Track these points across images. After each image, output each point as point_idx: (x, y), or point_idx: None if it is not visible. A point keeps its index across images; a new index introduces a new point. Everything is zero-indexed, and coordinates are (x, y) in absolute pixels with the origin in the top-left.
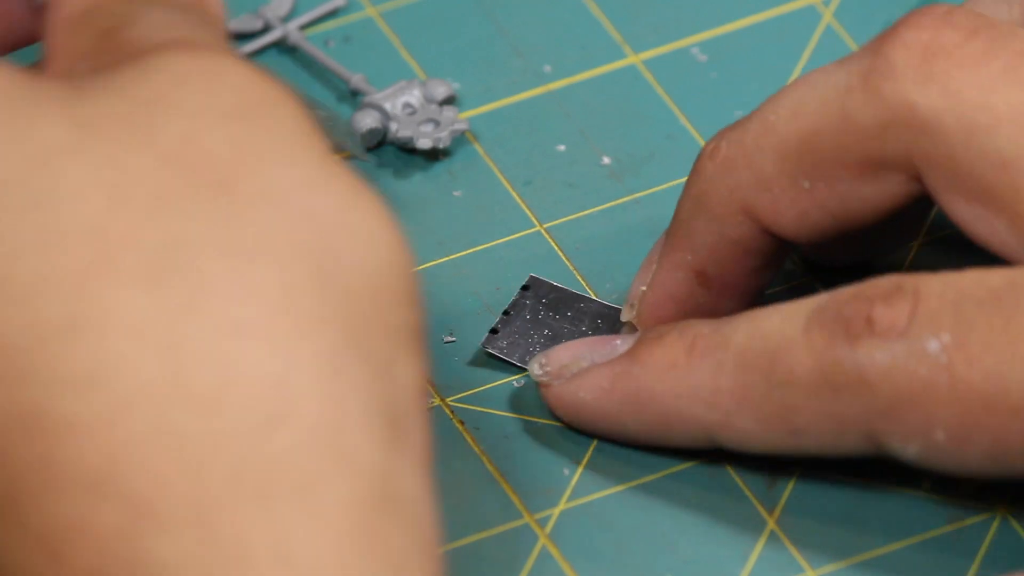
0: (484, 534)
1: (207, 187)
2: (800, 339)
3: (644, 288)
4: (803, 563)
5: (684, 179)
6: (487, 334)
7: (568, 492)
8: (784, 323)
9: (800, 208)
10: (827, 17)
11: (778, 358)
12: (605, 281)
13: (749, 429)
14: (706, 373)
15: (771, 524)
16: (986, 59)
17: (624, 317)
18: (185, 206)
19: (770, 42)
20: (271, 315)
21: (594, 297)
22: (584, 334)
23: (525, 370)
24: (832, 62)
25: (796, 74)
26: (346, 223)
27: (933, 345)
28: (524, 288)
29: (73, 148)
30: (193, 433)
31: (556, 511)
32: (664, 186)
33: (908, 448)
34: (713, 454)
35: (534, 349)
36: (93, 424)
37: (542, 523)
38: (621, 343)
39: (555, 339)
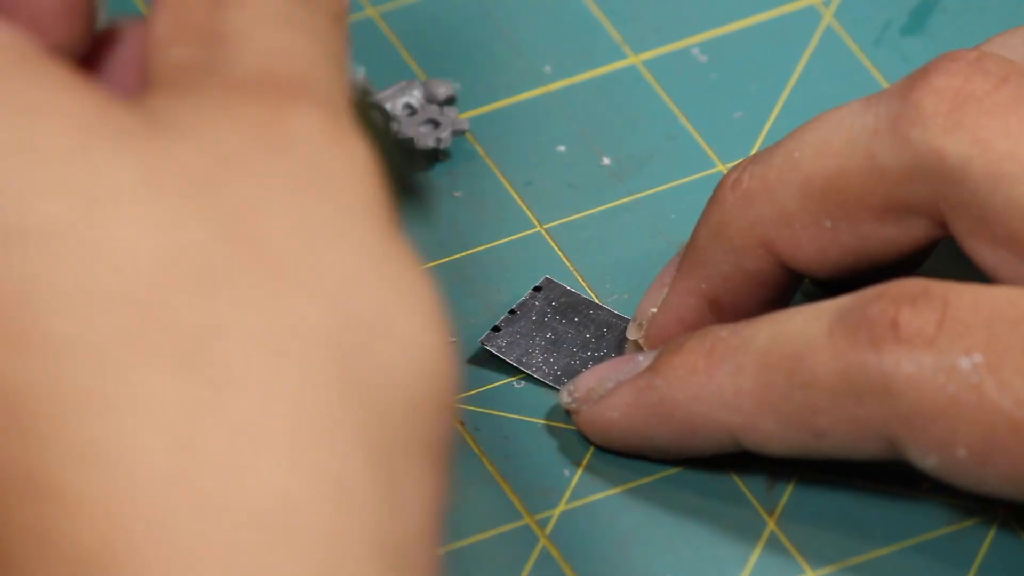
0: (484, 535)
1: (257, 268)
2: (823, 341)
3: (654, 310)
4: (803, 564)
5: (685, 179)
6: (489, 331)
7: (568, 493)
8: (807, 324)
9: (820, 245)
10: (827, 17)
11: (800, 360)
12: (605, 282)
13: (771, 430)
14: (727, 376)
15: (771, 526)
16: (1016, 107)
17: (631, 335)
18: (231, 287)
19: (770, 42)
20: (292, 422)
21: (605, 306)
22: (587, 341)
23: (521, 371)
24: (858, 100)
25: (796, 74)
26: (388, 326)
27: (964, 363)
28: (536, 289)
29: (135, 198)
30: (189, 532)
31: (556, 512)
32: (664, 187)
33: (928, 459)
34: (713, 456)
35: (533, 351)
36: (94, 502)
37: (542, 524)
38: (643, 359)
39: (557, 343)
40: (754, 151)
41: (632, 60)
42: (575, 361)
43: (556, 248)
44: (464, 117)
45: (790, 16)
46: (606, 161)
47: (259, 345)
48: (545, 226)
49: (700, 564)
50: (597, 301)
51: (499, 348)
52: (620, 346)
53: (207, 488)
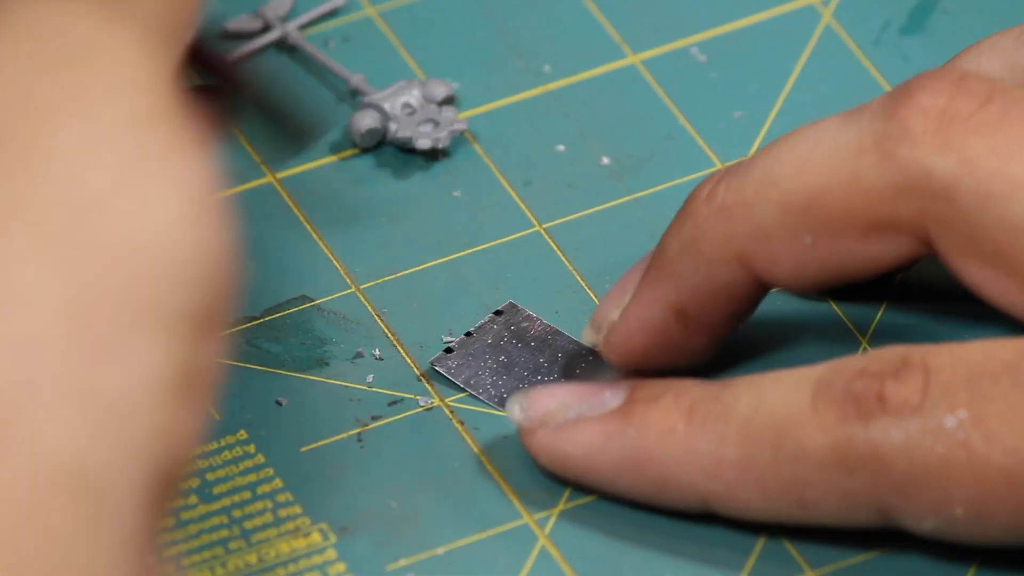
0: (484, 534)
1: (11, 156)
2: (809, 414)
3: (615, 316)
4: (803, 564)
5: (684, 179)
6: (442, 351)
7: (567, 492)
8: (789, 395)
9: (798, 261)
10: (826, 17)
11: (786, 433)
12: (604, 282)
13: (753, 500)
14: (708, 443)
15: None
16: (1001, 126)
17: (587, 339)
18: None
19: (770, 42)
20: None
21: (564, 332)
22: (540, 365)
23: (467, 392)
24: (835, 116)
25: (796, 74)
26: (110, 197)
27: (950, 421)
28: (497, 312)
29: None
30: None
31: (555, 511)
32: (664, 186)
33: (924, 523)
34: None
35: (483, 373)
36: None
37: (541, 523)
38: (610, 396)
39: (508, 367)
40: (753, 151)
41: (631, 60)
42: (523, 384)
43: (555, 248)
44: (463, 117)
45: (789, 16)
46: (605, 161)
47: None
48: (544, 226)
49: (700, 564)
50: (558, 328)
51: (448, 369)
52: (571, 372)
53: None
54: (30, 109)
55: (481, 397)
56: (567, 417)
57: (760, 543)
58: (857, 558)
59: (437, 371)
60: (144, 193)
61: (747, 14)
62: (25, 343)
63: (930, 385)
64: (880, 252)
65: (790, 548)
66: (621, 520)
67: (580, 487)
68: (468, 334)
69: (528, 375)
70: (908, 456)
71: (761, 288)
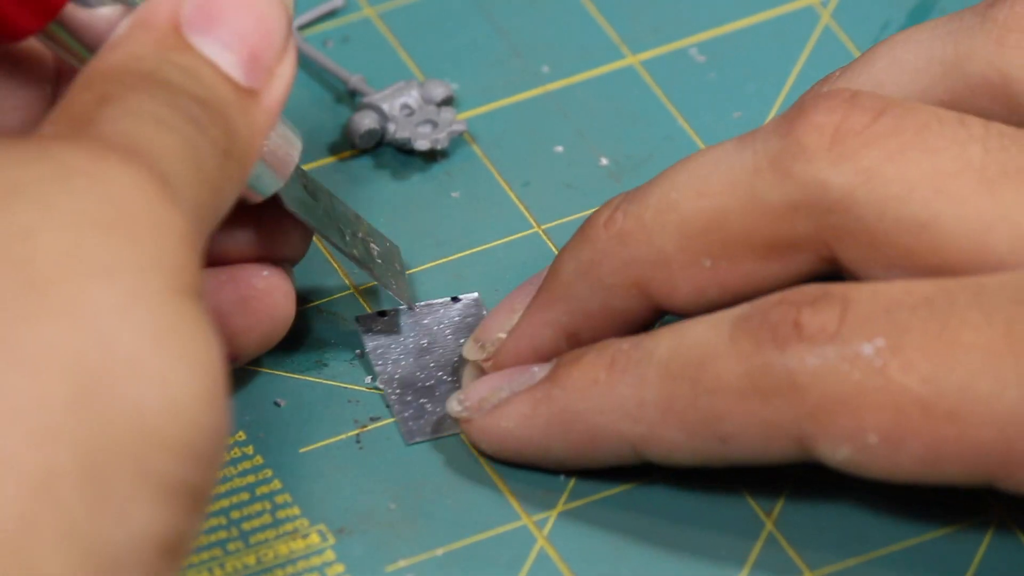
0: (482, 536)
1: (19, 287)
2: (726, 345)
3: (502, 335)
4: (801, 565)
5: None
6: (375, 312)
7: (566, 494)
8: (707, 332)
9: (698, 285)
10: (825, 18)
11: (704, 366)
12: None
13: (676, 439)
14: (629, 387)
15: (769, 526)
16: (895, 134)
17: (468, 355)
18: None
19: (769, 43)
20: (4, 422)
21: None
22: (455, 366)
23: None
24: (731, 140)
25: (795, 74)
26: (140, 360)
27: (867, 349)
28: (455, 299)
29: None
30: None
31: (554, 513)
32: None
33: (839, 452)
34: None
35: (394, 347)
36: None
37: (540, 525)
38: (539, 370)
39: (420, 353)
40: None
41: (630, 60)
42: (420, 373)
43: (554, 248)
44: (462, 117)
45: (788, 16)
46: (604, 161)
47: None
48: (543, 226)
49: (698, 565)
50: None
51: (366, 328)
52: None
53: None
54: (78, 261)
55: (376, 369)
56: (500, 398)
57: (759, 543)
58: (856, 558)
59: (356, 321)
60: (170, 364)
61: (746, 15)
62: (39, 480)
63: (848, 314)
64: (781, 271)
65: (790, 549)
66: (619, 521)
67: (518, 462)
68: (410, 308)
69: (434, 368)
70: (824, 382)
71: (656, 313)
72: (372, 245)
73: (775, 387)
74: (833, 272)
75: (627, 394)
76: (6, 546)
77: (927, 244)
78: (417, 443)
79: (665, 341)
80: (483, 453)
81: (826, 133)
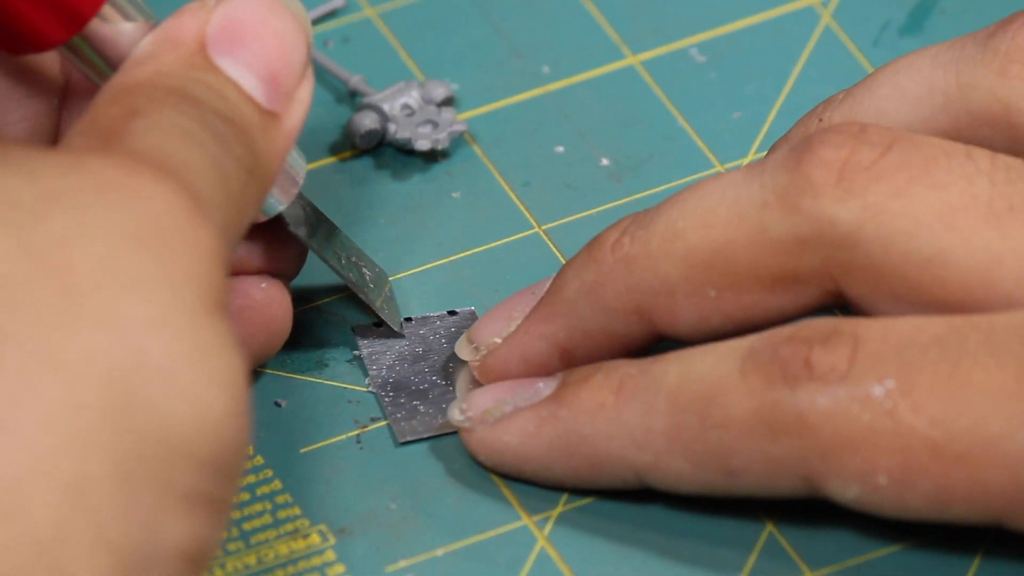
0: (483, 536)
1: (53, 291)
2: (736, 381)
3: (497, 340)
4: (801, 565)
5: (684, 180)
6: (371, 323)
7: (566, 494)
8: (718, 364)
9: (701, 314)
10: (826, 18)
11: (713, 399)
12: None
13: (682, 470)
14: (637, 414)
15: (769, 526)
16: (903, 169)
17: (461, 354)
18: (20, 300)
19: (769, 43)
20: (43, 424)
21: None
22: (450, 372)
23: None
24: (739, 170)
25: (795, 75)
26: (177, 376)
27: (877, 390)
28: (451, 312)
29: None
30: None
31: (554, 513)
32: (663, 187)
33: (848, 491)
34: None
35: (388, 353)
36: None
37: (540, 525)
38: (544, 386)
39: (416, 360)
40: (753, 151)
41: (630, 60)
42: (415, 377)
43: (554, 249)
44: (462, 118)
45: (788, 16)
46: (604, 162)
47: (32, 353)
48: (543, 227)
49: (699, 566)
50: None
51: (363, 336)
52: (460, 387)
53: None
54: (113, 272)
55: (370, 372)
56: (503, 411)
57: (760, 543)
58: (857, 558)
59: (353, 329)
60: (201, 380)
61: (746, 15)
62: (74, 486)
63: (859, 353)
64: (786, 304)
65: (790, 548)
66: (620, 521)
67: (516, 477)
68: (408, 319)
69: (428, 373)
70: (834, 422)
71: (655, 339)
72: (364, 270)
73: (785, 425)
74: (838, 305)
75: (635, 422)
76: (41, 553)
77: (934, 278)
78: (409, 442)
79: (674, 369)
80: (481, 465)
81: (834, 168)
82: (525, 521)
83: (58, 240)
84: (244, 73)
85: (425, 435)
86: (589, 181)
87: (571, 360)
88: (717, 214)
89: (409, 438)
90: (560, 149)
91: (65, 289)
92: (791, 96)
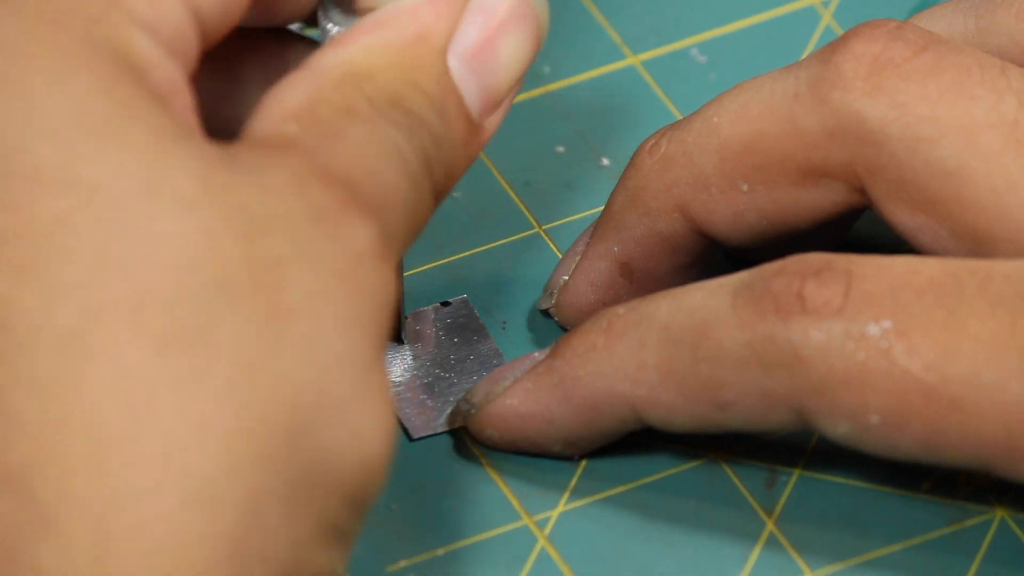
0: (483, 535)
1: (263, 311)
2: (728, 313)
3: (566, 277)
4: (802, 565)
5: None
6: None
7: (567, 494)
8: (708, 298)
9: (736, 210)
10: (826, 18)
11: (705, 332)
12: None
13: (675, 403)
14: (628, 350)
15: (770, 526)
16: (934, 73)
17: (541, 305)
18: (232, 307)
19: (770, 43)
20: (235, 434)
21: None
22: (473, 368)
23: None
24: (780, 69)
25: None
26: (349, 411)
27: (873, 329)
28: (444, 303)
29: (188, 204)
30: (118, 475)
31: (555, 513)
32: None
33: (839, 427)
34: (712, 455)
35: (404, 357)
36: (35, 425)
37: (541, 525)
38: (539, 354)
39: (431, 364)
40: None
41: (631, 60)
42: (418, 372)
43: (555, 249)
44: None
45: (789, 16)
46: (605, 162)
47: (232, 361)
48: (544, 227)
49: (699, 565)
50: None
51: (394, 349)
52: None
53: (147, 450)
54: (317, 302)
55: (392, 375)
56: (503, 387)
57: (760, 543)
58: (857, 558)
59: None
60: (368, 422)
61: (747, 15)
62: (253, 501)
63: (851, 290)
64: (815, 200)
65: (790, 548)
66: (620, 521)
67: (525, 447)
68: (404, 317)
69: (429, 367)
70: (828, 359)
71: (703, 241)
72: None
73: (778, 359)
74: (865, 205)
75: (626, 357)
76: (228, 551)
77: (952, 193)
78: (422, 438)
79: (664, 305)
80: (489, 443)
81: (864, 62)
82: (525, 521)
83: (276, 259)
84: (469, 81)
85: (438, 430)
86: (589, 181)
87: (631, 275)
88: (750, 107)
89: (422, 434)
90: (561, 149)
91: (273, 308)
92: None
